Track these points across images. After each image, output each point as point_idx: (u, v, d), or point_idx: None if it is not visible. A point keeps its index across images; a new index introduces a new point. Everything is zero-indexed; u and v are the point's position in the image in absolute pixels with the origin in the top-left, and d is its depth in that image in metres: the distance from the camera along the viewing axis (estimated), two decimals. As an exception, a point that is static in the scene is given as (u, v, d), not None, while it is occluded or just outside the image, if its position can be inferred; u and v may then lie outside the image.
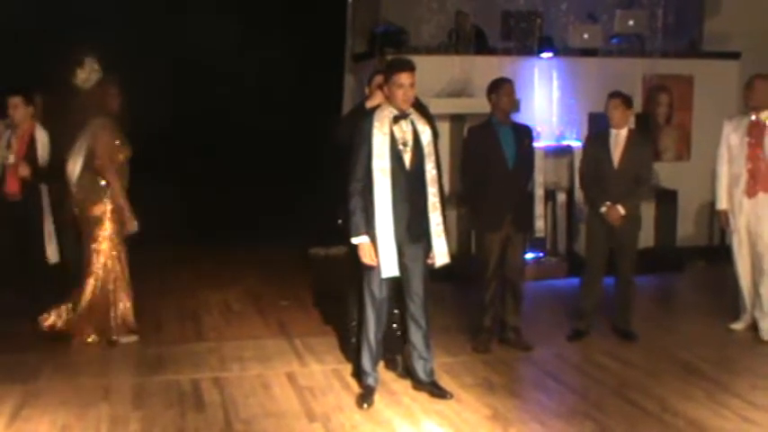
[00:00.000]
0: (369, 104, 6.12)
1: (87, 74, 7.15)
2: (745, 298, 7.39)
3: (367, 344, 5.83)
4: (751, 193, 7.15)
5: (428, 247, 5.76)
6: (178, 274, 9.68)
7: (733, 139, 7.28)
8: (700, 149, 10.42)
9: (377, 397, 5.84)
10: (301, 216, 10.72)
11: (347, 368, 6.46)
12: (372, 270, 5.66)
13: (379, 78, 6.16)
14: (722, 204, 7.41)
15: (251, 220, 10.77)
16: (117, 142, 7.03)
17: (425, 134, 5.73)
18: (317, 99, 11.02)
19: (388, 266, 5.60)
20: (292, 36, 11.07)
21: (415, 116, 5.76)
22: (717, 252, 9.81)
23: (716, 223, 9.30)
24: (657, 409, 5.65)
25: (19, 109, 7.51)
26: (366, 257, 5.61)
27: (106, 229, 7.06)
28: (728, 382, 6.21)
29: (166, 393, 6.01)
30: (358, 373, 6.04)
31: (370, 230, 5.60)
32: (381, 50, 10.16)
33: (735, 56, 10.69)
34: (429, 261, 5.79)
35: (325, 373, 6.43)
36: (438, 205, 5.75)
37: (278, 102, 10.96)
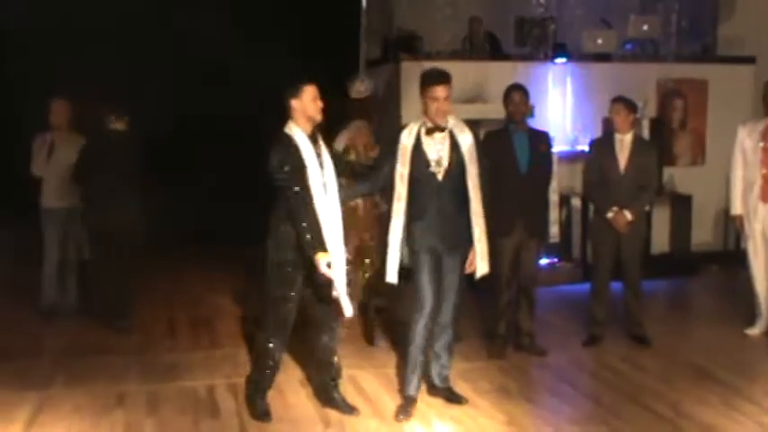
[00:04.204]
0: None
1: (360, 86, 7.68)
2: (761, 303, 7.36)
3: (410, 357, 5.68)
4: (766, 198, 7.13)
5: (466, 257, 5.62)
6: (190, 279, 9.71)
7: (747, 143, 7.27)
8: (714, 154, 10.38)
9: (392, 403, 5.84)
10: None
11: (362, 374, 6.47)
12: (419, 287, 5.55)
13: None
14: (737, 209, 7.39)
15: (260, 227, 10.78)
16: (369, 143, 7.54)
17: (466, 140, 5.54)
18: (329, 105, 11.04)
19: (391, 272, 5.56)
20: (306, 41, 11.10)
21: (456, 127, 5.58)
22: (731, 257, 9.78)
23: (731, 228, 9.27)
24: (672, 414, 5.64)
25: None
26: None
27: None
28: (743, 387, 6.19)
29: (181, 400, 6.03)
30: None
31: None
32: (395, 56, 10.19)
33: (749, 60, 10.65)
34: (469, 270, 5.65)
35: (339, 378, 6.44)
36: (481, 215, 5.57)
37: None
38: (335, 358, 5.85)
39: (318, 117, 5.54)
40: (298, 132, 5.48)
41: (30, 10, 10.55)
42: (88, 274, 8.06)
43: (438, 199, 5.53)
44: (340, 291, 5.46)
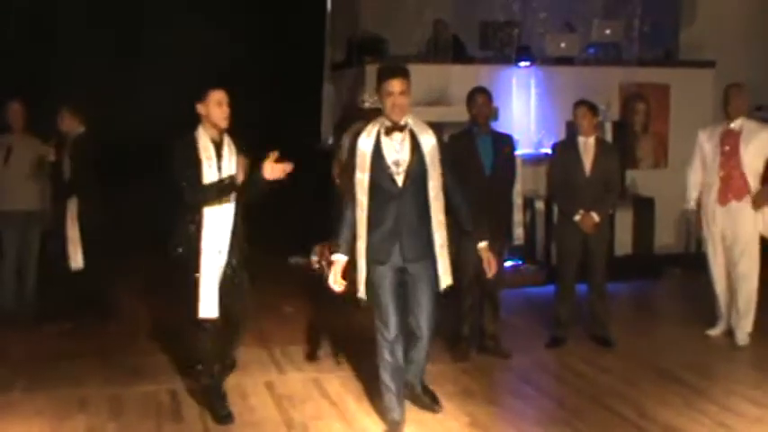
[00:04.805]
0: None
1: (366, 97, 7.96)
2: (721, 304, 7.44)
3: (384, 385, 5.36)
4: (723, 201, 7.19)
5: (432, 266, 5.28)
6: (156, 282, 9.62)
7: (707, 147, 7.33)
8: (677, 157, 10.45)
9: (356, 406, 5.84)
10: (279, 225, 10.70)
11: (326, 377, 6.46)
12: (380, 304, 5.25)
13: None
14: (691, 203, 7.43)
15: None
16: None
17: (429, 144, 5.18)
18: (295, 107, 11.03)
19: (361, 287, 5.27)
20: (271, 44, 11.08)
21: (417, 127, 5.22)
22: (694, 259, 9.85)
23: (692, 230, 9.35)
24: (634, 416, 5.68)
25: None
26: (331, 279, 5.21)
27: None
28: (705, 387, 6.25)
29: (144, 404, 5.98)
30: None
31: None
32: (360, 60, 10.19)
33: (710, 64, 10.78)
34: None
35: (303, 381, 6.42)
36: (443, 222, 5.24)
37: (256, 110, 10.96)
38: (231, 355, 6.01)
39: (222, 124, 5.56)
40: (202, 135, 5.55)
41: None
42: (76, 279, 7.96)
43: (398, 206, 5.16)
44: (204, 288, 5.52)
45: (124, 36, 10.84)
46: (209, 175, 5.48)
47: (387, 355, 5.28)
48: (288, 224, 10.82)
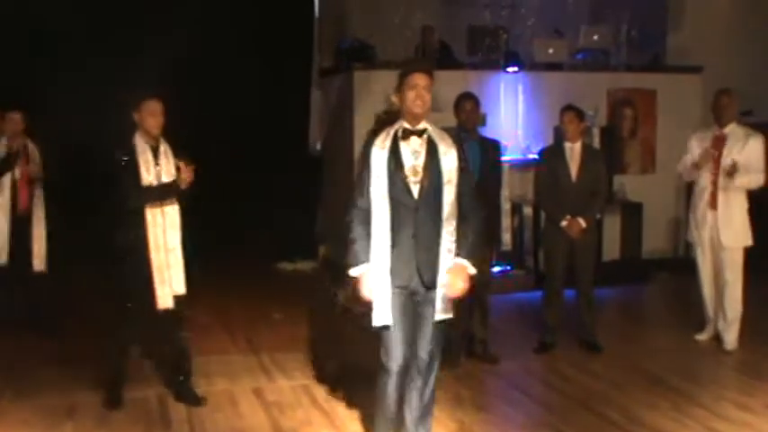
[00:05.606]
0: None
1: (393, 99, 7.87)
2: (709, 309, 7.46)
3: (378, 408, 4.96)
4: (715, 204, 7.21)
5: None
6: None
7: (697, 151, 7.33)
8: (664, 162, 10.50)
9: (346, 413, 5.84)
10: (267, 230, 10.70)
11: (315, 384, 6.46)
12: (387, 333, 4.77)
13: None
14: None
15: (216, 234, 10.73)
16: None
17: (448, 157, 4.74)
18: (283, 113, 11.01)
19: (381, 313, 4.73)
20: (259, 50, 11.06)
21: (436, 134, 4.80)
22: (682, 264, 9.89)
23: (681, 235, 9.38)
24: (622, 420, 5.69)
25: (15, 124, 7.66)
26: (366, 291, 4.72)
27: None
28: (693, 392, 6.26)
29: (132, 410, 5.95)
30: None
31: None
32: (348, 66, 10.20)
33: (697, 69, 10.81)
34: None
35: (293, 388, 6.41)
36: (453, 249, 4.72)
37: (244, 115, 10.95)
38: (185, 356, 6.11)
39: (153, 132, 5.76)
40: (139, 141, 5.76)
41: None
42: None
43: (414, 221, 4.69)
44: (159, 282, 5.76)
45: (108, 36, 10.79)
46: (147, 178, 5.71)
47: (383, 386, 4.85)
48: (275, 229, 10.82)
